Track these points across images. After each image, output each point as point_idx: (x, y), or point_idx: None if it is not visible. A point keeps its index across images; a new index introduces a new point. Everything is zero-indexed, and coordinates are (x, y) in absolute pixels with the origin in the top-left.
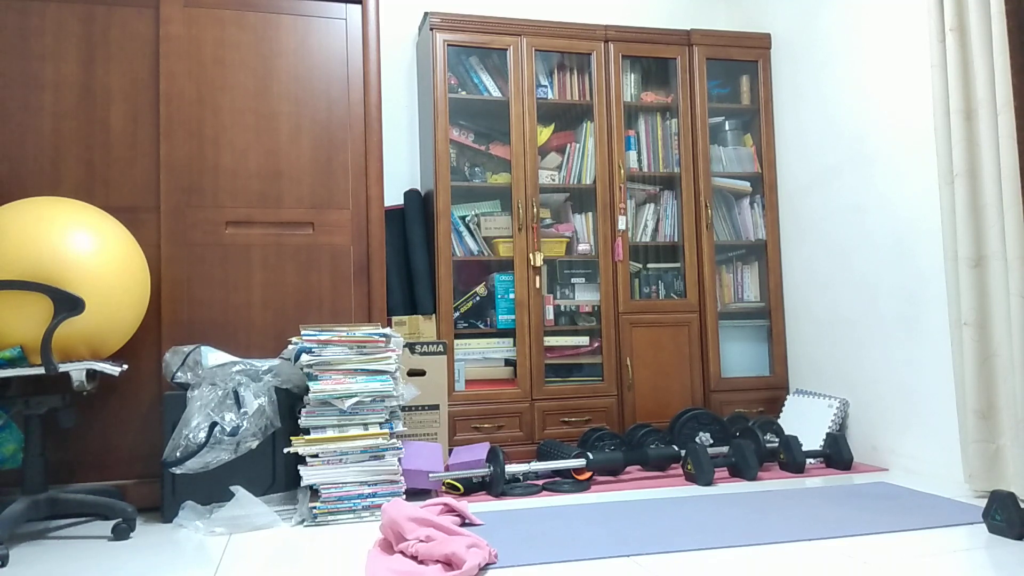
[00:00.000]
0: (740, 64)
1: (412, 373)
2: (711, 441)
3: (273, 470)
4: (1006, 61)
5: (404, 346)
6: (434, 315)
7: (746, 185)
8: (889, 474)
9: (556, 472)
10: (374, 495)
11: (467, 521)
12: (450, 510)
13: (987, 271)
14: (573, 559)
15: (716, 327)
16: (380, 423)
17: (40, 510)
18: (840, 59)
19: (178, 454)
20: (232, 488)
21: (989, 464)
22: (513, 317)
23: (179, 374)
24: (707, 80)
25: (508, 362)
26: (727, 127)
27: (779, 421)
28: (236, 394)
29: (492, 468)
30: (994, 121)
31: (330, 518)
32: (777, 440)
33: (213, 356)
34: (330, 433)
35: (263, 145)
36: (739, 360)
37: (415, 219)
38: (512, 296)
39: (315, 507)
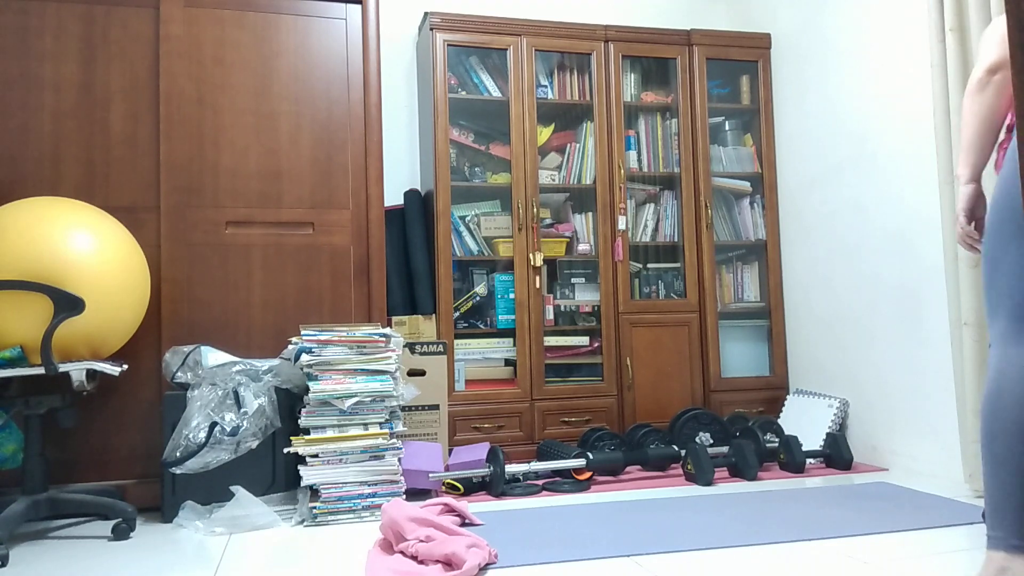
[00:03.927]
0: (740, 64)
1: (412, 373)
2: (711, 441)
3: (273, 470)
4: None
5: (404, 346)
6: (434, 315)
7: (746, 185)
8: (889, 474)
9: (556, 472)
10: (374, 495)
11: (467, 521)
12: (450, 510)
13: None
14: (573, 559)
15: (716, 327)
16: (380, 423)
17: (40, 510)
18: (840, 58)
19: (178, 454)
20: (232, 488)
21: None
22: (513, 317)
23: (179, 374)
24: (707, 80)
25: (508, 362)
26: (727, 127)
27: (779, 421)
28: (236, 394)
29: (492, 468)
30: None
31: (330, 518)
32: (777, 440)
33: (213, 356)
34: (330, 433)
35: (263, 145)
36: (739, 360)
37: (415, 219)
38: (512, 296)
39: (315, 507)
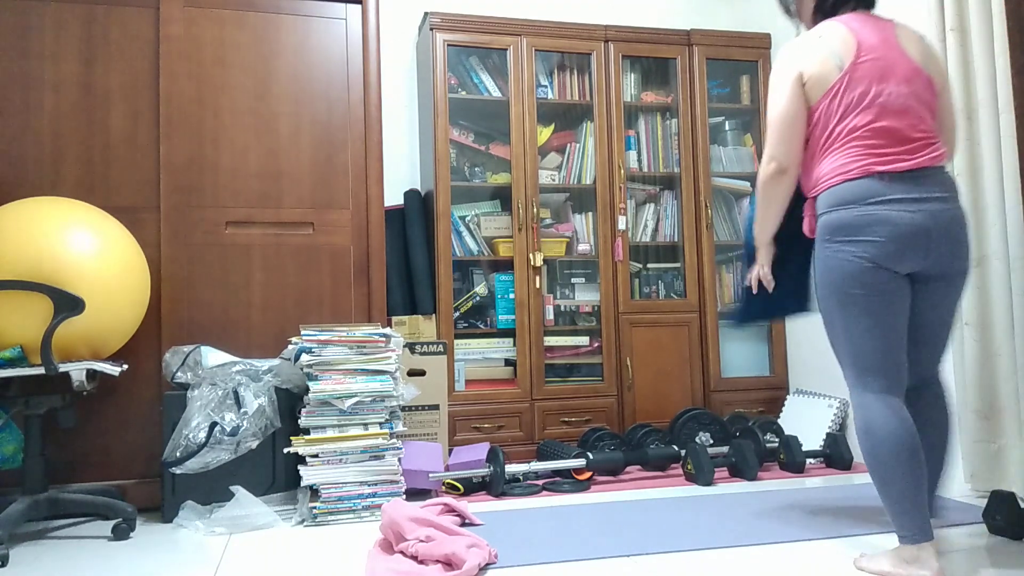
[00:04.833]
0: (740, 64)
1: (412, 373)
2: (711, 441)
3: (273, 470)
4: (1007, 61)
5: (404, 346)
6: (434, 315)
7: (746, 185)
8: None
9: (556, 472)
10: (374, 495)
11: (467, 521)
12: (450, 510)
13: (988, 271)
14: (573, 559)
15: (716, 327)
16: (380, 423)
17: (40, 510)
18: None
19: (178, 454)
20: (232, 488)
21: (990, 464)
22: (513, 317)
23: (179, 374)
24: (707, 80)
25: (508, 362)
26: (727, 127)
27: (779, 421)
28: (236, 394)
29: (492, 468)
30: (995, 121)
31: (330, 518)
32: (777, 440)
33: (213, 356)
34: (330, 433)
35: (263, 145)
36: (739, 360)
37: (415, 219)
38: (512, 296)
39: (315, 507)
